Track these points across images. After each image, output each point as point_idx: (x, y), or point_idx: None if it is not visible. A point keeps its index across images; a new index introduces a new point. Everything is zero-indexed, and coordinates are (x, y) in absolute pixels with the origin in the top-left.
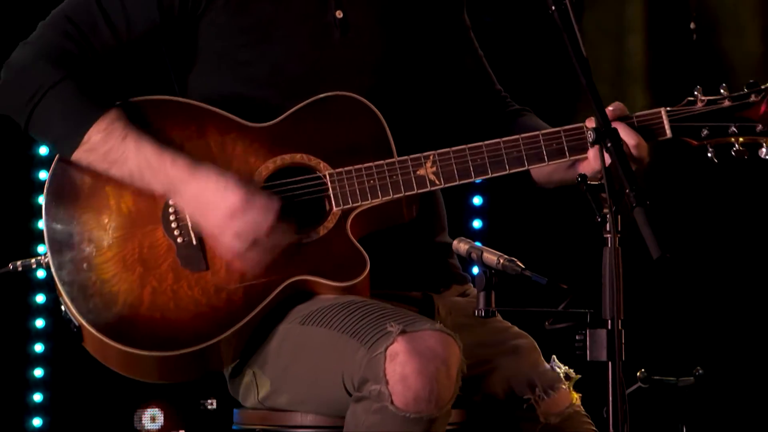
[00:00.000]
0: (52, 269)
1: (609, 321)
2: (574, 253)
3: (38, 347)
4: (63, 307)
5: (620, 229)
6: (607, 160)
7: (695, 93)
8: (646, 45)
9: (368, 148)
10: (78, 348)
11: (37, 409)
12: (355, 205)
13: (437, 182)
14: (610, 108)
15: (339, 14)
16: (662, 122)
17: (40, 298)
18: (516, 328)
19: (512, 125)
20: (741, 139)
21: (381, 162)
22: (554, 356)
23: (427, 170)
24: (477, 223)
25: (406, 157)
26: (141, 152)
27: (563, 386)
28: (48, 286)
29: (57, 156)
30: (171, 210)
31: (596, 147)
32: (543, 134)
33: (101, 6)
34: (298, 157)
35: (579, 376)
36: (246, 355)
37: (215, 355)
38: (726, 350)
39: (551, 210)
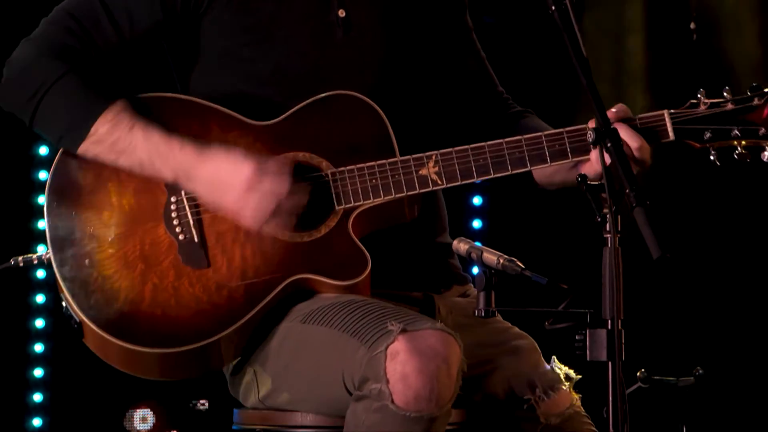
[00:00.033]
0: (54, 265)
1: (609, 321)
2: (574, 253)
3: (38, 347)
4: (64, 303)
5: (620, 229)
6: (608, 160)
7: (698, 96)
8: (646, 45)
9: (371, 147)
10: (78, 348)
11: (37, 409)
12: (357, 204)
13: (439, 182)
14: (614, 110)
15: (342, 13)
16: (665, 124)
17: (40, 298)
18: (516, 329)
19: (514, 127)
20: (744, 143)
21: (383, 161)
22: (554, 357)
23: (430, 170)
24: (477, 223)
25: (408, 157)
26: (149, 141)
27: (563, 387)
28: (48, 286)
29: (59, 153)
30: (173, 207)
31: (599, 148)
32: (546, 135)
33: (104, 2)
34: (301, 156)
35: (579, 376)
36: (247, 354)
37: (216, 352)
38: (726, 350)
39: (551, 210)
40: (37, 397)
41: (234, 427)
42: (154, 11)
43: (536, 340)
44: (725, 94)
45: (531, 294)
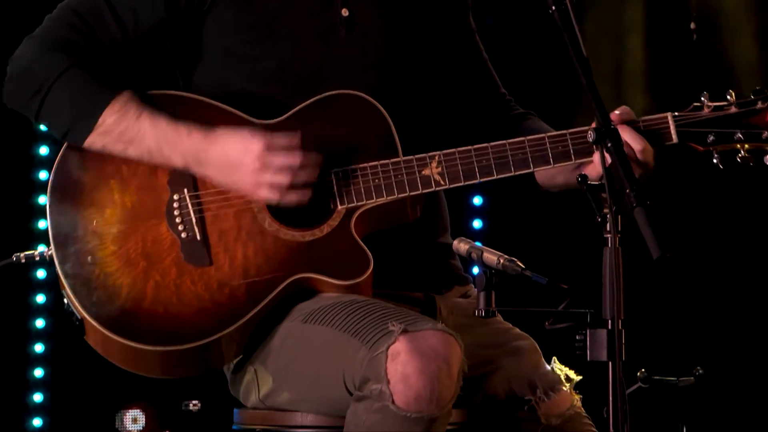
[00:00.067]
0: (56, 262)
1: (609, 321)
2: (574, 253)
3: (38, 347)
4: (65, 300)
5: (620, 229)
6: (608, 160)
7: (702, 99)
8: (646, 45)
9: (373, 146)
10: (78, 348)
11: (37, 409)
12: (359, 203)
13: (442, 183)
14: (617, 111)
15: (345, 12)
16: (668, 127)
17: (40, 298)
18: (517, 330)
19: (516, 129)
20: (747, 146)
21: (386, 161)
22: (555, 358)
23: (433, 170)
24: (477, 223)
25: (411, 157)
26: (157, 128)
27: (564, 388)
28: (48, 286)
29: (61, 151)
30: (175, 205)
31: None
32: (549, 137)
33: (108, 0)
34: None
35: (580, 377)
36: (248, 353)
37: (217, 350)
38: (726, 350)
39: (551, 210)
40: (37, 397)
41: (234, 426)
42: (158, 9)
43: (536, 340)
44: (729, 97)
45: (531, 294)
